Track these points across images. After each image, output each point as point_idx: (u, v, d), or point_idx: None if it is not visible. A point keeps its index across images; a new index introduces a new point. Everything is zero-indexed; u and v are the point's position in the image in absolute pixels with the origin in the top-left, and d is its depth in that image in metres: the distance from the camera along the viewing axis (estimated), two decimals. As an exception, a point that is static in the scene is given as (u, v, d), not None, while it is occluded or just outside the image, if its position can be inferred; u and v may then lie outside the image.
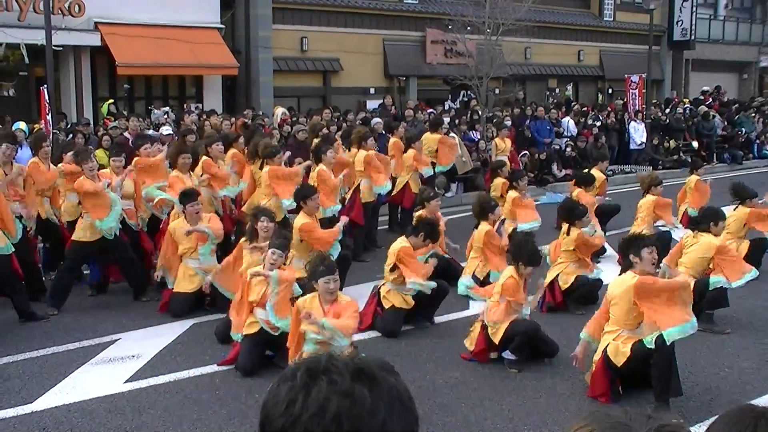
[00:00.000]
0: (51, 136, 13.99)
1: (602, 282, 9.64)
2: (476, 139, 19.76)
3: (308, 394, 1.42)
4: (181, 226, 9.68)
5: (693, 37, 32.81)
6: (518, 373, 7.64)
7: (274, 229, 8.62)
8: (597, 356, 7.06)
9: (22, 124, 14.94)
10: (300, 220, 9.65)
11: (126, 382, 7.53)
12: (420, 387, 7.21)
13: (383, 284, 9.17)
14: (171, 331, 8.94)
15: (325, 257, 7.34)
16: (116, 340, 8.74)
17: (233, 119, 17.42)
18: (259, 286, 7.75)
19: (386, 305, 8.93)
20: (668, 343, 6.65)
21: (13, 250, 9.24)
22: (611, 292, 7.07)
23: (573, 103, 26.11)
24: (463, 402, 6.99)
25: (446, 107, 24.41)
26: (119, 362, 8.07)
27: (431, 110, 22.32)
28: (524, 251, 7.93)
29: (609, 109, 24.84)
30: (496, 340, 7.75)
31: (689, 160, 18.20)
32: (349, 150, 13.21)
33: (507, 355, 7.78)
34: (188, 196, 9.68)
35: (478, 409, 6.84)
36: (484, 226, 10.48)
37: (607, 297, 7.11)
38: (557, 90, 29.81)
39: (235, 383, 7.40)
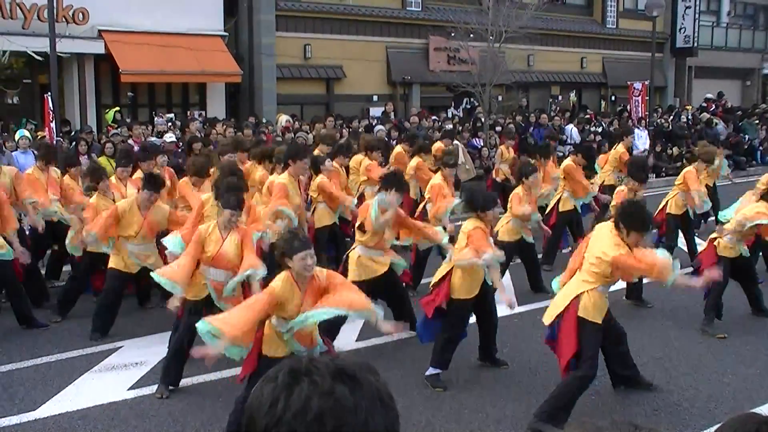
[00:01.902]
0: (54, 143, 14.04)
1: None
2: (479, 147, 19.76)
3: (290, 395, 1.44)
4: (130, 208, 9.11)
5: (696, 44, 32.83)
6: (443, 391, 7.40)
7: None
8: (563, 304, 6.82)
9: (25, 132, 14.99)
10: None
11: (129, 389, 7.54)
12: (422, 393, 7.21)
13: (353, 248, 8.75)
14: (174, 338, 8.94)
15: (299, 231, 6.42)
16: (120, 347, 8.76)
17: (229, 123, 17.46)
18: (215, 244, 7.39)
19: (353, 277, 8.22)
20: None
21: (14, 256, 9.25)
22: (593, 244, 6.85)
23: (587, 110, 26.17)
24: (465, 408, 6.98)
25: (449, 114, 24.46)
26: (123, 369, 8.09)
27: (434, 117, 22.40)
28: (478, 197, 7.77)
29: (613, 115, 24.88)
30: (453, 295, 7.58)
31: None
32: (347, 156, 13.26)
33: (430, 371, 7.56)
34: (153, 184, 9.23)
35: (480, 415, 6.84)
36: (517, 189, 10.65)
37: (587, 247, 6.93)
38: (560, 97, 29.83)
39: (238, 390, 7.38)
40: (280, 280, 6.07)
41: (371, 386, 1.49)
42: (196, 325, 6.03)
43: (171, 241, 8.02)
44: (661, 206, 12.07)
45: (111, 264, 9.17)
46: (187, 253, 7.47)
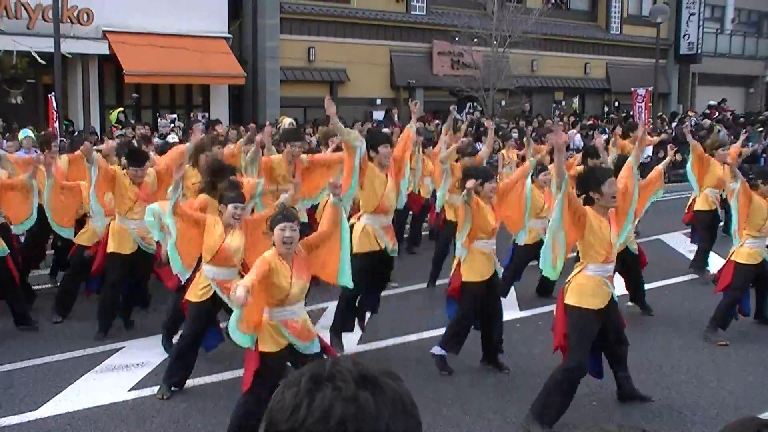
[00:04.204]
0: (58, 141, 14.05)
1: None
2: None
3: (313, 400, 1.43)
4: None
5: (700, 51, 32.85)
6: (449, 375, 7.72)
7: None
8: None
9: (29, 131, 14.99)
10: None
11: (130, 390, 7.52)
12: (424, 398, 7.18)
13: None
14: (175, 340, 8.92)
15: (286, 207, 6.37)
16: (121, 348, 8.74)
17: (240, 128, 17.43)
18: (218, 238, 7.21)
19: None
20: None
21: (8, 252, 9.20)
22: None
23: (607, 116, 26.29)
24: (467, 413, 6.96)
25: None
26: (124, 370, 8.07)
27: (437, 122, 22.38)
28: (473, 175, 7.71)
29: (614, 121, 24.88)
30: (463, 277, 7.75)
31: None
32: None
33: (435, 350, 7.82)
34: (136, 159, 9.13)
35: (481, 420, 6.81)
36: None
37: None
38: (563, 102, 29.84)
39: (239, 392, 7.37)
40: (267, 253, 6.04)
41: (394, 392, 1.48)
42: (230, 332, 5.90)
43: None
44: (688, 204, 11.98)
45: (110, 248, 8.97)
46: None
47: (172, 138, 16.28)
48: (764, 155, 26.75)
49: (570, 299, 6.65)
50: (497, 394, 7.45)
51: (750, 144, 26.19)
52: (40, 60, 17.79)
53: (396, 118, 22.84)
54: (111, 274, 9.09)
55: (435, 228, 12.37)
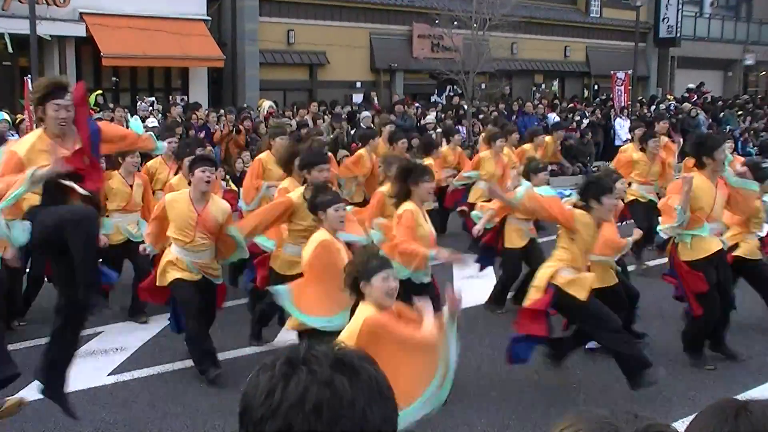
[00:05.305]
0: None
1: None
2: (463, 135, 19.77)
3: (287, 384, 1.43)
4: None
5: (679, 35, 32.92)
6: None
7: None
8: (540, 284, 6.77)
9: (5, 114, 14.86)
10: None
11: (109, 374, 7.51)
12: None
13: None
14: (155, 324, 8.90)
15: (375, 250, 5.20)
16: (99, 332, 8.69)
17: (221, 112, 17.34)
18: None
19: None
20: None
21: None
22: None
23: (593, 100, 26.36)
24: (447, 397, 6.96)
25: (432, 101, 24.47)
26: (102, 355, 8.04)
27: (418, 104, 22.38)
28: (596, 187, 7.07)
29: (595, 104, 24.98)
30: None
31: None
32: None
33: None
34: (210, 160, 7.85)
35: (463, 404, 6.82)
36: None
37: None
38: (543, 85, 29.89)
39: (219, 376, 7.36)
40: (361, 316, 4.69)
41: (370, 377, 1.47)
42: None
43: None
44: None
45: (176, 276, 7.52)
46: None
47: (151, 122, 16.16)
48: (741, 138, 26.94)
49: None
50: (479, 378, 7.46)
51: (728, 127, 26.44)
52: (9, 48, 17.59)
53: (375, 101, 22.83)
54: (178, 292, 7.72)
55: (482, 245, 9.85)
